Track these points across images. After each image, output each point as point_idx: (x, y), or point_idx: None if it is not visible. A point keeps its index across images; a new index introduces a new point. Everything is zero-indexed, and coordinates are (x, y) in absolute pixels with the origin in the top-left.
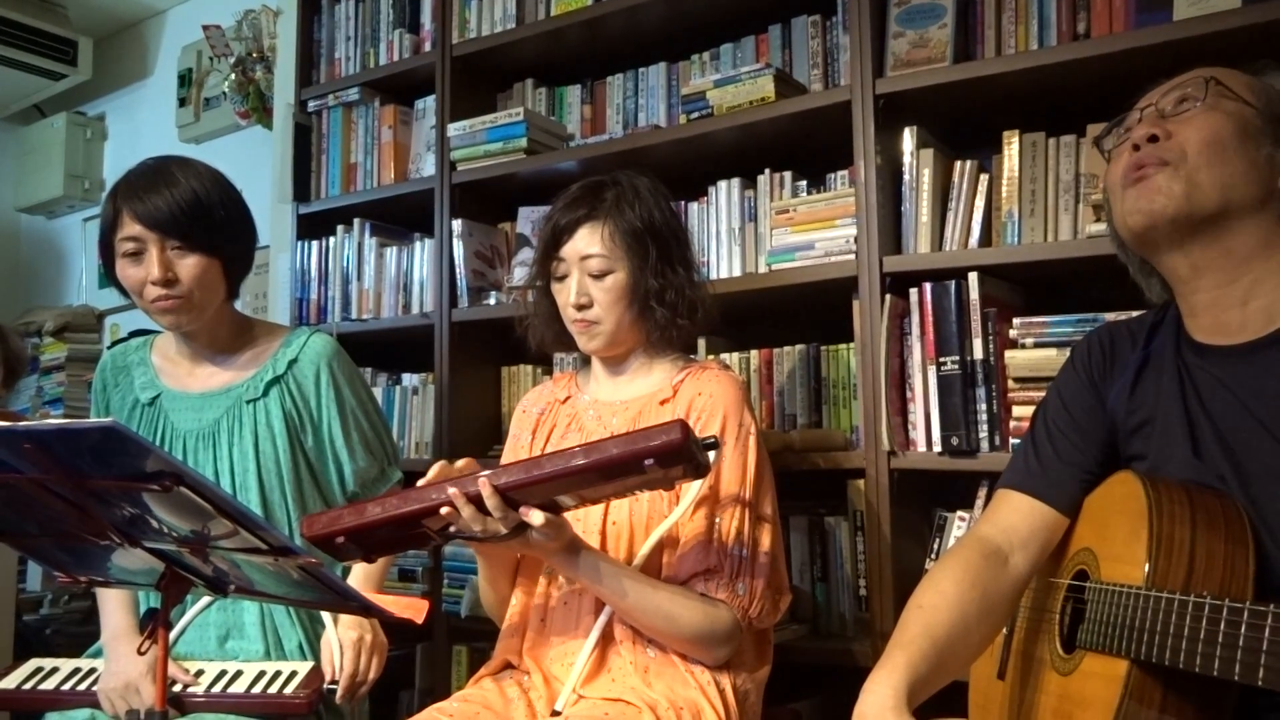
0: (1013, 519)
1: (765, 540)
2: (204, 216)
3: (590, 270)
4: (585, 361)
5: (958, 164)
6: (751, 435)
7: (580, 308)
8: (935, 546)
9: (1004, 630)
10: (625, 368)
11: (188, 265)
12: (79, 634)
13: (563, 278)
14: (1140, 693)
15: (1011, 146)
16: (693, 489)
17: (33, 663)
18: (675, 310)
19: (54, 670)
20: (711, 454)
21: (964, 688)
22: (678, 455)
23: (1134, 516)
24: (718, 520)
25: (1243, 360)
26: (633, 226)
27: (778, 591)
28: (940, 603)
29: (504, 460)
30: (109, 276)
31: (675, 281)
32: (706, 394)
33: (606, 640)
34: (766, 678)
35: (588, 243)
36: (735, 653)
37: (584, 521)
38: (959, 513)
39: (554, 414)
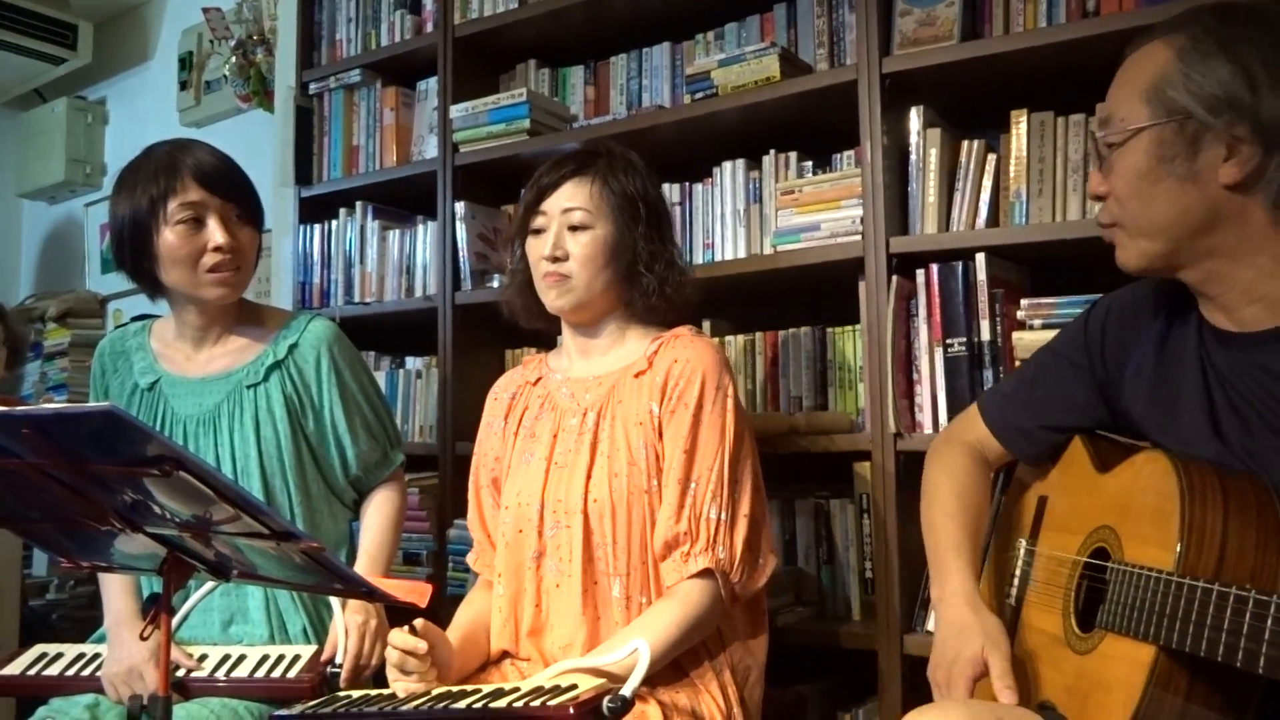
0: (989, 444)
1: (745, 503)
2: (254, 193)
3: (571, 222)
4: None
5: (965, 144)
6: (729, 399)
7: (554, 259)
8: None
9: (1011, 603)
10: (597, 340)
11: (245, 234)
12: (85, 619)
13: (539, 232)
14: (1166, 680)
15: (1020, 126)
16: (672, 459)
17: (37, 649)
18: (664, 281)
19: (58, 656)
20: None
21: None
22: None
23: (1164, 498)
24: (693, 485)
25: (1259, 348)
26: (624, 189)
27: (759, 555)
28: (969, 507)
29: (478, 453)
30: (118, 258)
31: (665, 254)
32: (683, 360)
33: (599, 630)
34: (766, 651)
35: (570, 196)
36: (725, 620)
37: (566, 501)
38: None
39: (525, 397)
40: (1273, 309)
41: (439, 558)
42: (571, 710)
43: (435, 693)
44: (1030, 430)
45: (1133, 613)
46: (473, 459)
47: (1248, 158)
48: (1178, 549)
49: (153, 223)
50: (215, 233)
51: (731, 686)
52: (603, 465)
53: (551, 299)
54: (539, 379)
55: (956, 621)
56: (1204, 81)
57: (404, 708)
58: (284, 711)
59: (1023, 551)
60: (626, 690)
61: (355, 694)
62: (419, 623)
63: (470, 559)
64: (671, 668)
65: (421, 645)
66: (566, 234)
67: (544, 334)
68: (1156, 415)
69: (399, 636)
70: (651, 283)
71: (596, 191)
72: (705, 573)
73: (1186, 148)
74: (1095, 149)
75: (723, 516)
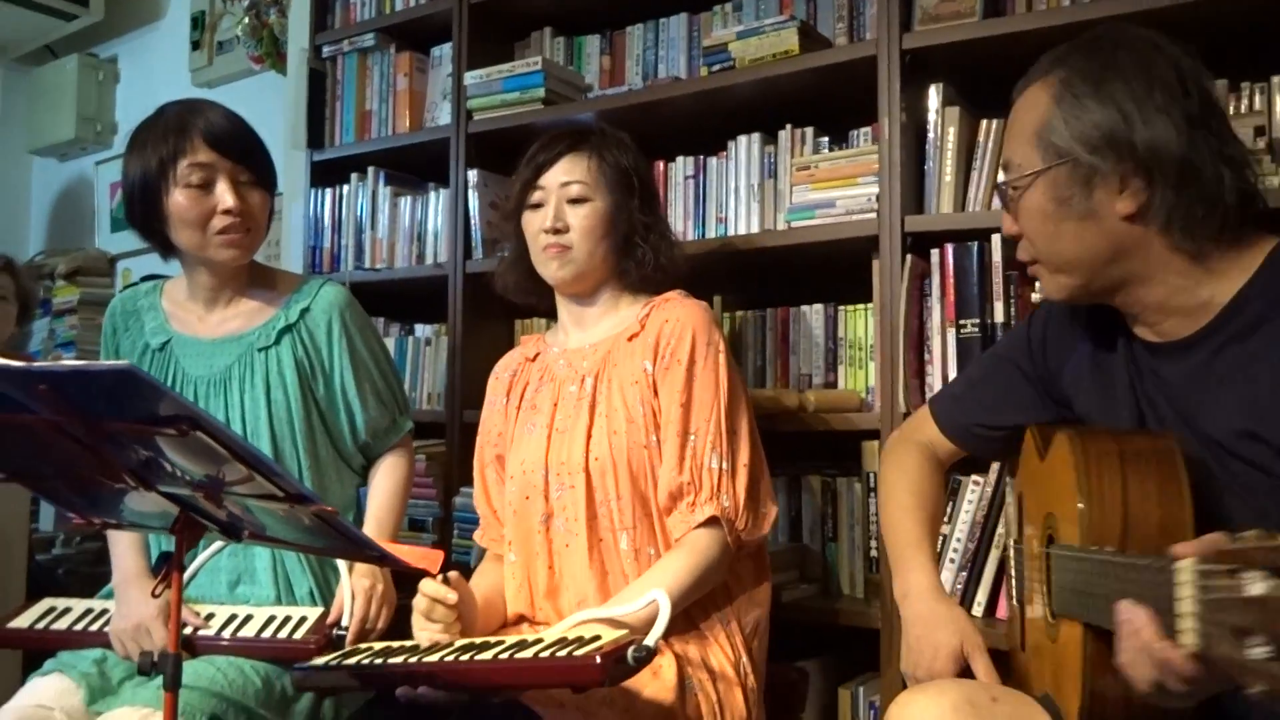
0: (940, 443)
1: (744, 453)
2: (266, 156)
3: (570, 195)
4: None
5: (983, 123)
6: (721, 353)
7: (555, 231)
8: (948, 510)
9: (1014, 604)
10: (591, 309)
11: (255, 197)
12: (91, 574)
13: (538, 205)
14: (1098, 656)
15: None
16: (670, 414)
17: (45, 602)
18: (659, 251)
19: (67, 610)
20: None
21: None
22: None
23: (1067, 474)
24: (692, 436)
25: (1182, 354)
26: (619, 163)
27: (760, 504)
28: (926, 503)
29: (481, 431)
30: (130, 216)
31: (657, 226)
32: (674, 319)
33: (609, 585)
34: (769, 600)
35: (569, 170)
36: (730, 572)
37: (569, 462)
38: (973, 476)
39: (525, 373)
40: (1189, 318)
41: (445, 524)
42: (598, 659)
43: (459, 644)
44: (981, 430)
45: (1066, 594)
46: (477, 439)
47: (1137, 190)
48: (1079, 524)
49: (162, 184)
50: (225, 195)
51: (739, 638)
52: (602, 425)
53: (553, 270)
54: (537, 355)
55: (926, 615)
56: (1080, 125)
57: (429, 658)
58: (305, 663)
59: (1013, 551)
60: (650, 640)
61: (377, 645)
62: (452, 575)
63: (477, 535)
64: (682, 619)
65: (452, 595)
66: (566, 207)
67: (555, 306)
68: (1095, 417)
69: (430, 585)
70: (647, 253)
71: (594, 165)
72: (711, 521)
73: (1081, 188)
74: (1001, 193)
75: (724, 466)
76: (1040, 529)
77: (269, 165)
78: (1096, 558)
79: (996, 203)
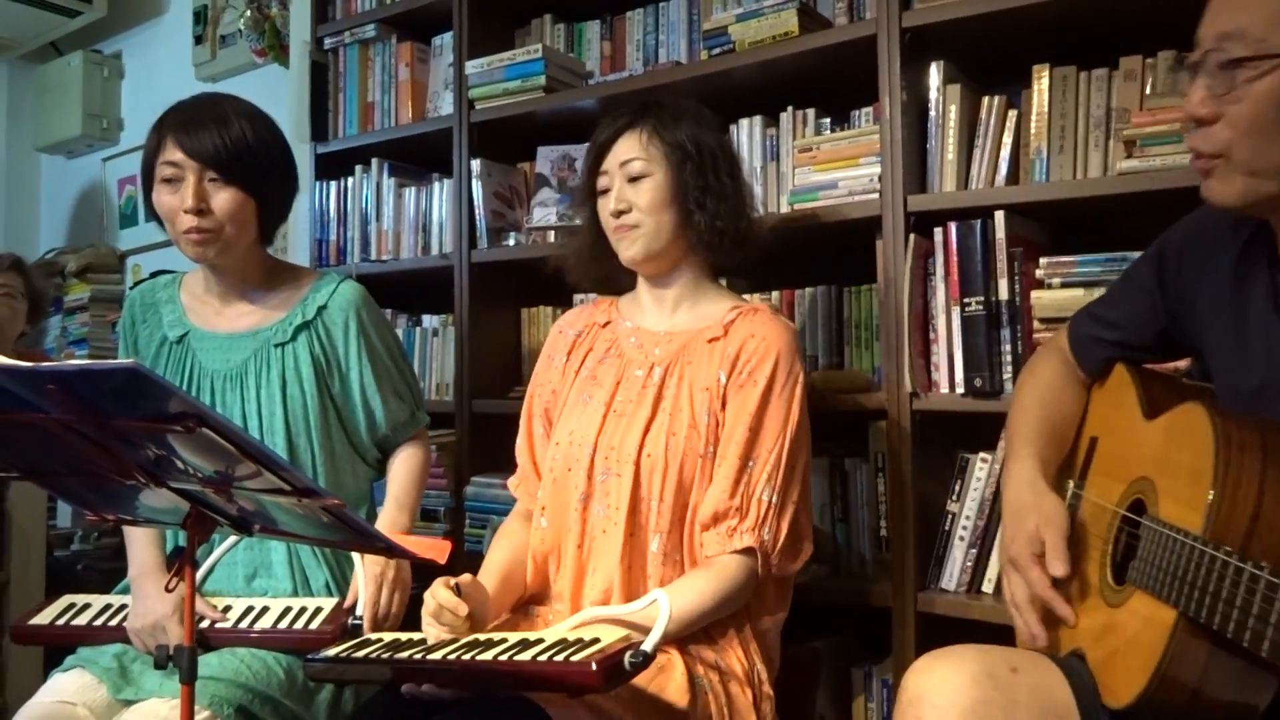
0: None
1: (795, 490)
2: (247, 154)
3: (630, 174)
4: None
5: (985, 99)
6: (798, 385)
7: (619, 214)
8: (957, 488)
9: None
10: (669, 290)
11: (223, 198)
12: (109, 569)
13: (605, 191)
14: (1186, 646)
15: (1041, 81)
16: (734, 434)
17: (65, 599)
18: (716, 215)
19: (86, 606)
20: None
21: None
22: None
23: (1198, 456)
24: (751, 463)
25: None
26: (673, 135)
27: (798, 541)
28: (1048, 404)
29: (535, 382)
30: (148, 206)
31: (717, 189)
32: (759, 337)
33: (634, 582)
34: (786, 617)
35: (626, 149)
36: (755, 596)
37: (619, 450)
38: (981, 454)
39: (592, 337)
40: None
41: (456, 514)
42: (594, 666)
43: (463, 641)
44: (1093, 343)
45: (1159, 574)
46: (529, 387)
47: None
48: (1205, 515)
49: (148, 179)
50: (185, 193)
51: (754, 646)
52: (662, 421)
53: (623, 250)
54: (608, 322)
55: (1015, 503)
56: None
57: (432, 656)
58: (317, 654)
59: (1069, 494)
60: (648, 645)
61: (387, 637)
62: (465, 579)
63: (511, 483)
64: (698, 632)
65: (462, 608)
66: (628, 186)
67: (563, 292)
68: (1226, 349)
69: (443, 593)
70: (704, 219)
71: (646, 139)
72: (747, 550)
73: None
74: (1200, 60)
75: (774, 500)
76: (1124, 488)
77: (249, 164)
78: (1231, 561)
79: (1000, 180)
